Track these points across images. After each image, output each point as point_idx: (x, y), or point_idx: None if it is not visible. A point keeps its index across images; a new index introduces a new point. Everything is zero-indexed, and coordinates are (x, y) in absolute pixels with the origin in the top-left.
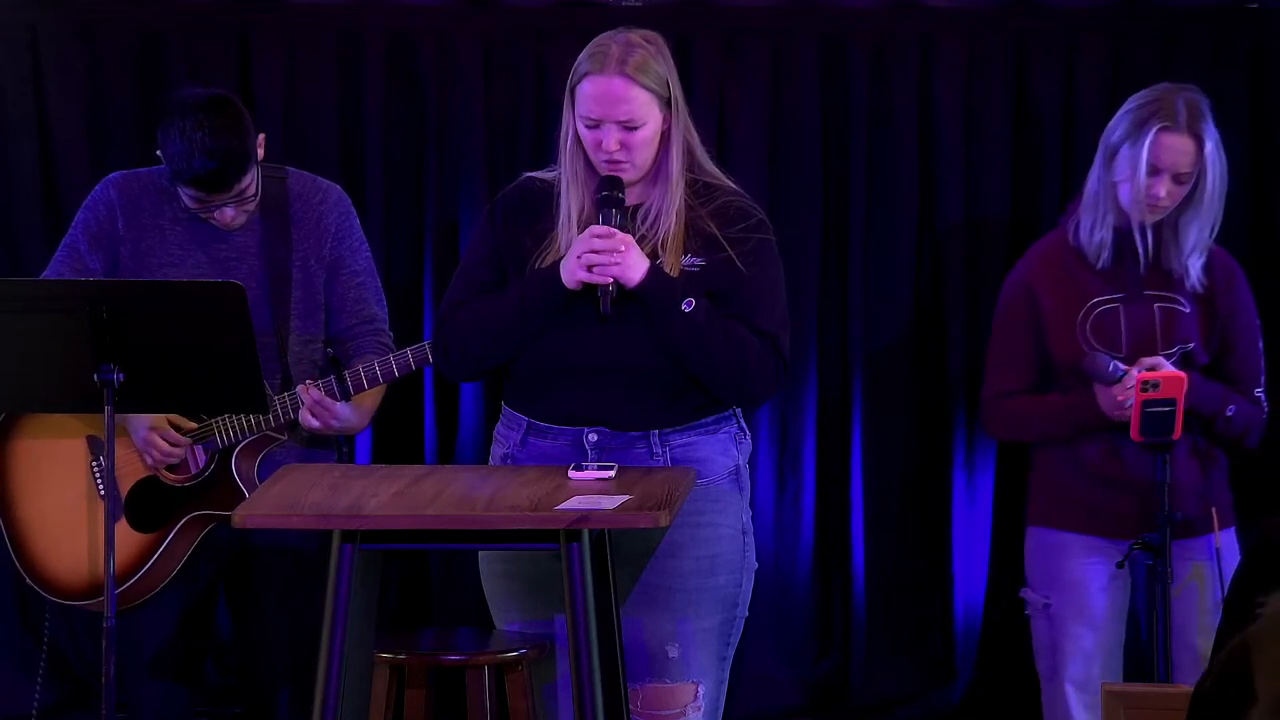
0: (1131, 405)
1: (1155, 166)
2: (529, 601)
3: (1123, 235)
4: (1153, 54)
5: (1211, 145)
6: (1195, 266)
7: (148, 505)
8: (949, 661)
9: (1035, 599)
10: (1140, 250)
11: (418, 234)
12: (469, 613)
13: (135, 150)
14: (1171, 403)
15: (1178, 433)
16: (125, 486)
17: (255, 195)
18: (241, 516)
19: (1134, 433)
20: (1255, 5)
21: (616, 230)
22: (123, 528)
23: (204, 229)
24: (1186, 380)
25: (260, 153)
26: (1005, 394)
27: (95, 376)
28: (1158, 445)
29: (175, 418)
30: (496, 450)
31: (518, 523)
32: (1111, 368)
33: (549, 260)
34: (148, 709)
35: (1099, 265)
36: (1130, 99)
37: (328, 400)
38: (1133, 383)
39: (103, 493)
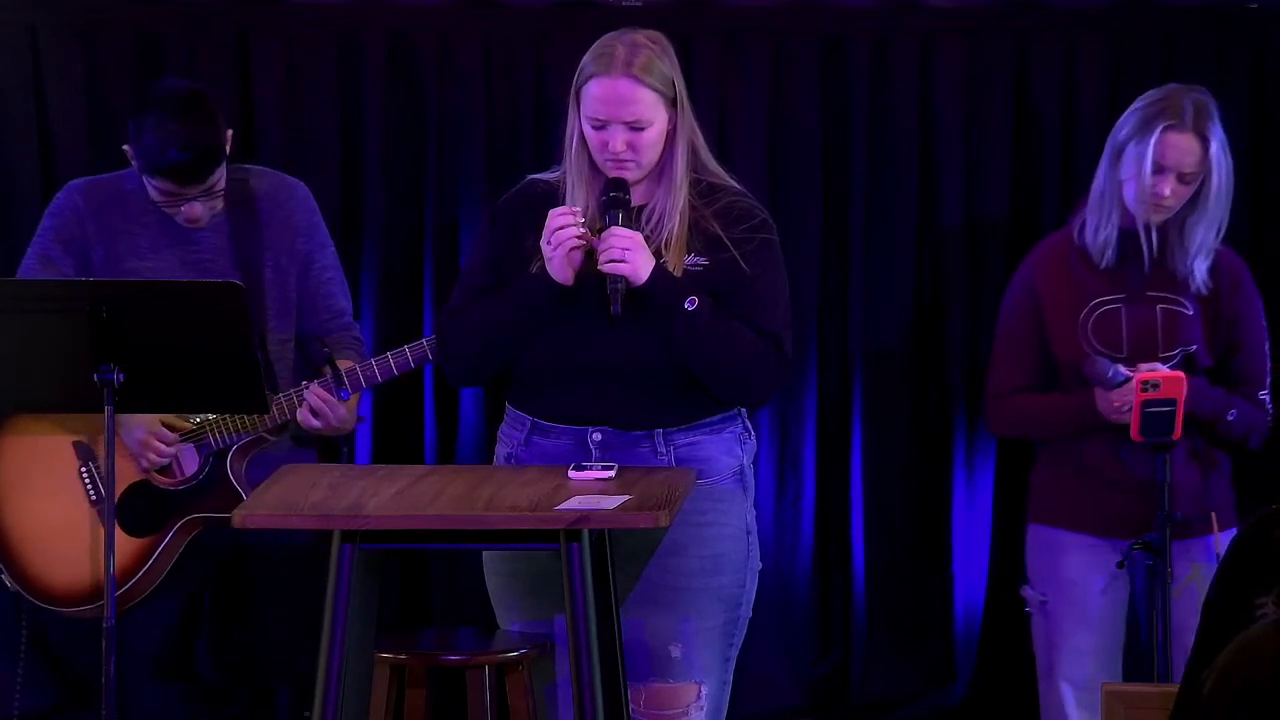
0: (1130, 410)
1: (1160, 165)
2: (533, 602)
3: (1128, 235)
4: (1154, 54)
5: (1217, 146)
6: (1201, 268)
7: (141, 509)
8: (949, 661)
9: (1034, 596)
10: (1145, 250)
11: (418, 234)
12: (469, 613)
13: None
14: (1172, 403)
15: (1178, 433)
16: (118, 491)
17: (222, 191)
18: (242, 517)
19: (1134, 433)
20: (1255, 6)
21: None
22: (116, 532)
23: (173, 231)
24: (1185, 381)
25: (227, 149)
26: (1007, 392)
27: (95, 376)
28: (1158, 445)
29: (169, 419)
30: (500, 450)
31: (518, 523)
32: (1112, 373)
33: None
34: (140, 710)
35: (1103, 265)
36: (1138, 99)
37: (332, 400)
38: (1131, 390)
39: (93, 497)
